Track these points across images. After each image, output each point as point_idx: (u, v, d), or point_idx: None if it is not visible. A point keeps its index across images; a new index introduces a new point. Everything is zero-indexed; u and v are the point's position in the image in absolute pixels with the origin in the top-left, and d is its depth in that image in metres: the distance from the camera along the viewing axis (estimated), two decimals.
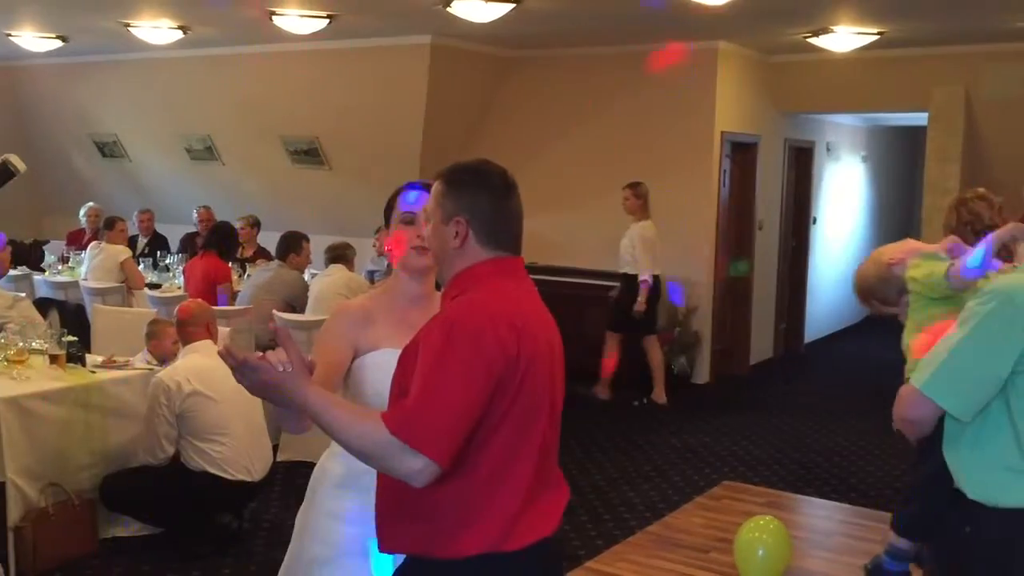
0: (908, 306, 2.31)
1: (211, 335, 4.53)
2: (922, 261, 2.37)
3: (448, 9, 6.13)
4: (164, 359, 4.80)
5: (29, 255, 8.55)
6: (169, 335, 4.80)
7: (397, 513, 1.93)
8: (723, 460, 6.13)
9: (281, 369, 1.82)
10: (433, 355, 1.82)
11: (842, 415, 7.19)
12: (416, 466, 1.78)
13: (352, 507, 2.16)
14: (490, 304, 1.89)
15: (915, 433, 2.15)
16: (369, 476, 1.98)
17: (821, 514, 5.39)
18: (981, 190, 3.46)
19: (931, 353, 2.12)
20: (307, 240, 6.36)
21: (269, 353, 1.85)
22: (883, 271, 2.28)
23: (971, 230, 3.26)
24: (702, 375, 7.99)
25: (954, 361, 2.08)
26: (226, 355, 1.82)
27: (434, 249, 2.03)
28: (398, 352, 2.11)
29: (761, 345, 8.89)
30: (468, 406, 1.80)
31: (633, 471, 5.85)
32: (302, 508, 2.41)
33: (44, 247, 8.98)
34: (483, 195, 1.97)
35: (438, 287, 2.37)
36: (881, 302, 2.32)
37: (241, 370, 1.83)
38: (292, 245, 6.26)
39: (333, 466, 2.30)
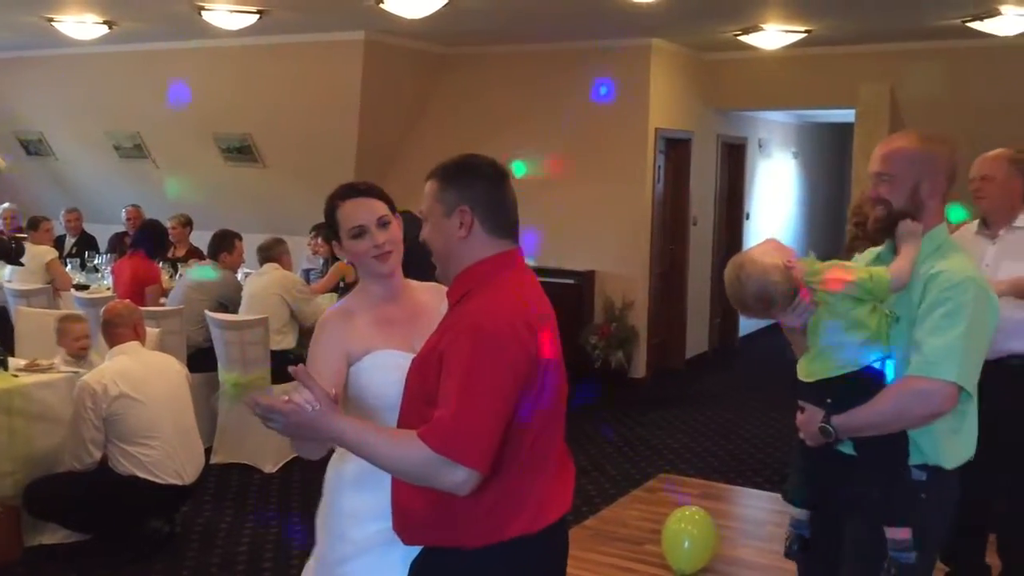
0: (807, 310, 2.33)
1: (139, 336, 4.44)
2: (839, 264, 2.40)
3: (381, 5, 6.09)
4: (81, 358, 4.70)
5: None
6: (72, 332, 4.69)
7: (425, 508, 1.96)
8: (659, 453, 6.20)
9: (310, 409, 1.86)
10: (462, 366, 1.86)
11: (773, 406, 7.31)
12: (460, 478, 1.83)
13: (370, 503, 2.17)
14: (507, 306, 1.93)
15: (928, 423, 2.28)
16: (383, 472, 2.02)
17: (753, 504, 5.49)
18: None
19: (936, 347, 2.21)
20: (239, 239, 6.27)
21: (294, 395, 1.89)
22: (787, 274, 2.30)
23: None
24: (639, 369, 8.07)
25: (971, 350, 2.23)
26: (253, 405, 1.87)
27: (438, 248, 2.04)
28: (392, 352, 2.18)
29: (696, 339, 9.01)
30: (501, 412, 1.86)
31: None
32: (320, 511, 2.39)
33: None
34: (480, 184, 2.01)
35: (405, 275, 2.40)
36: (780, 308, 2.35)
37: (269, 416, 1.87)
38: (224, 244, 6.17)
39: (346, 467, 2.28)
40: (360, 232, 2.28)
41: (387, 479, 2.02)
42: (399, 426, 2.03)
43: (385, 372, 2.19)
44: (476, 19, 6.87)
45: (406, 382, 2.05)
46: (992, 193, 3.58)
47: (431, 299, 2.33)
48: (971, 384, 2.28)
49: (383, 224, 2.29)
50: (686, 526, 4.30)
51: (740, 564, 4.54)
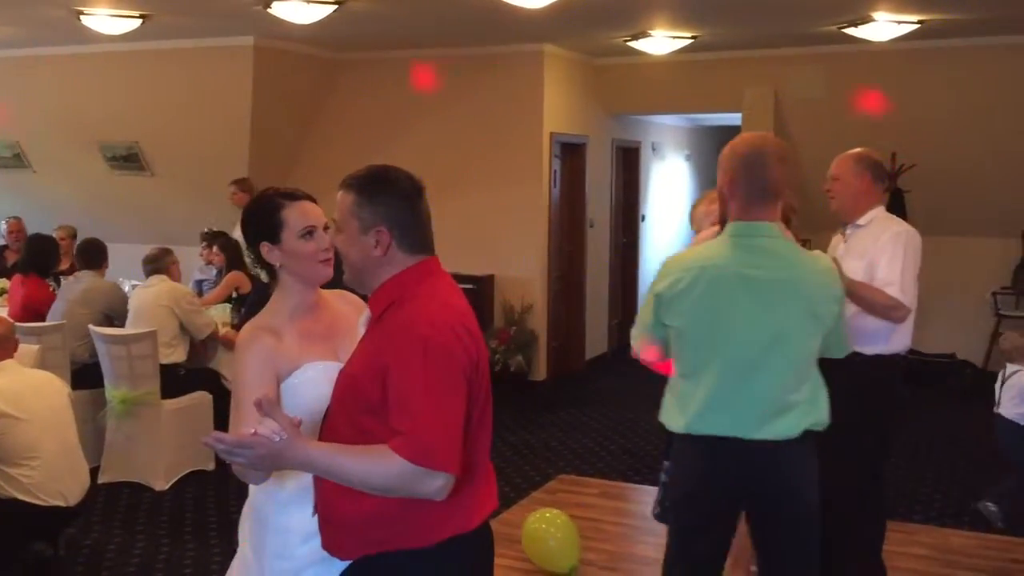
0: None
1: (11, 352, 4.25)
2: None
3: (269, 10, 6.00)
4: None
5: None
6: None
7: (358, 520, 1.98)
8: (559, 455, 6.26)
9: (277, 439, 1.85)
10: (418, 378, 1.89)
11: None
12: (439, 484, 1.89)
13: (308, 520, 2.14)
14: (445, 315, 1.97)
15: None
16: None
17: (652, 500, 5.57)
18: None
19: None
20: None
21: (259, 428, 1.87)
22: None
23: None
24: (539, 372, 8.13)
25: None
26: (215, 443, 1.84)
27: (353, 260, 2.05)
28: (321, 364, 2.16)
29: (595, 341, 9.13)
30: (460, 415, 1.92)
31: None
32: (250, 529, 2.31)
33: None
34: (398, 202, 2.02)
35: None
36: None
37: (235, 452, 1.85)
38: (103, 252, 5.96)
39: (280, 484, 2.22)
40: (310, 232, 2.26)
41: None
42: (326, 436, 2.05)
43: (317, 385, 2.16)
44: (367, 24, 6.83)
45: (334, 392, 2.07)
46: (840, 192, 3.68)
47: (345, 307, 2.34)
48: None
49: (326, 229, 2.31)
50: (546, 527, 4.35)
51: (639, 561, 4.62)
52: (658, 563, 4.51)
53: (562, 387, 8.16)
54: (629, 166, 9.82)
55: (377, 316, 2.05)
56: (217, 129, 7.97)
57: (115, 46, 7.60)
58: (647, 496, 5.61)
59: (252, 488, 2.33)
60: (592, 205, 8.86)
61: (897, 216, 8.25)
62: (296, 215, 2.28)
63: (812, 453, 2.67)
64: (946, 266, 8.32)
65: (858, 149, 3.75)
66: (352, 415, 1.99)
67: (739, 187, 2.63)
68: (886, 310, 3.42)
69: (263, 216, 2.32)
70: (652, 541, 4.85)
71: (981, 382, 7.81)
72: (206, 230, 7.21)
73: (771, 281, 2.61)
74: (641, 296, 10.05)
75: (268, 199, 2.34)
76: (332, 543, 2.06)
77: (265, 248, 2.30)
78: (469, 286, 8.03)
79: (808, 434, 2.64)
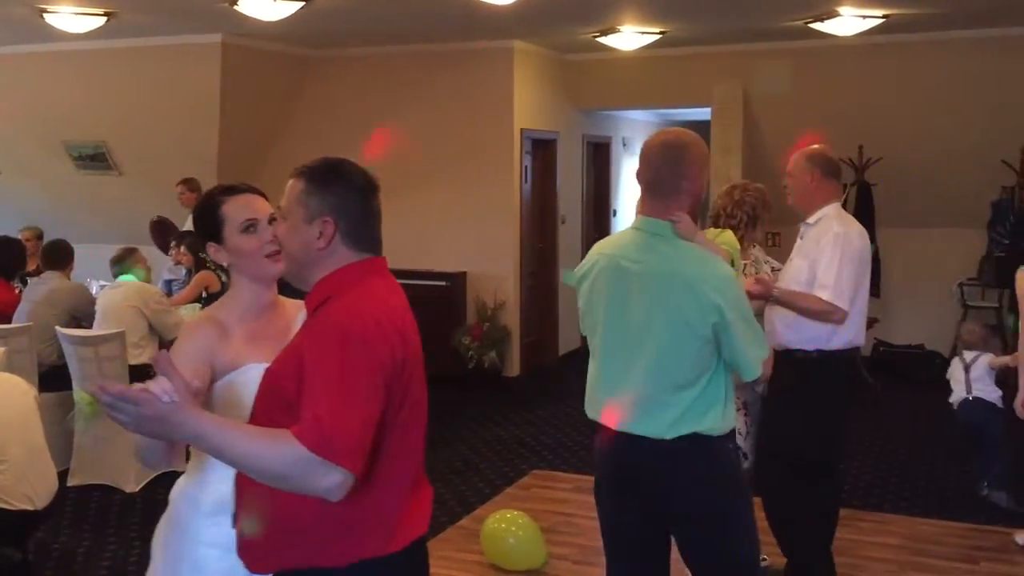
0: None
1: None
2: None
3: (235, 7, 5.95)
4: None
5: None
6: None
7: (274, 532, 1.87)
8: (533, 450, 6.26)
9: (167, 400, 1.68)
10: (332, 366, 1.77)
11: None
12: (335, 480, 1.72)
13: (231, 533, 2.05)
14: (372, 308, 1.86)
15: None
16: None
17: None
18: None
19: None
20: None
21: (151, 383, 1.70)
22: None
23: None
24: (512, 368, 8.13)
25: None
26: (100, 392, 1.67)
27: (293, 251, 1.96)
28: (264, 367, 2.01)
29: (569, 336, 9.13)
30: (373, 415, 1.78)
31: (444, 467, 5.88)
32: (169, 538, 2.26)
33: None
34: (351, 195, 1.93)
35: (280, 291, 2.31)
36: None
37: (118, 406, 1.67)
38: (69, 252, 5.89)
39: (204, 494, 2.17)
40: (251, 226, 2.21)
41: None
42: None
43: (256, 387, 2.09)
44: (336, 21, 6.79)
45: (258, 391, 1.95)
46: (793, 189, 3.74)
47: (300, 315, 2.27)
48: None
49: (272, 222, 2.22)
50: (507, 526, 4.36)
51: None
52: None
53: (535, 382, 8.17)
54: (600, 161, 9.85)
55: (311, 313, 1.95)
56: (185, 128, 7.90)
57: (80, 44, 7.50)
58: None
59: (174, 498, 2.28)
60: (563, 201, 8.88)
61: (865, 208, 8.40)
62: (235, 209, 2.24)
63: (707, 457, 2.55)
64: (913, 258, 8.43)
65: (814, 146, 3.79)
66: (270, 413, 1.87)
67: (639, 181, 2.66)
68: (822, 315, 3.52)
69: (205, 216, 2.28)
70: None
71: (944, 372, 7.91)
72: (155, 217, 7.21)
73: (644, 277, 2.55)
74: None
75: (209, 197, 2.30)
76: (248, 556, 1.94)
77: (212, 249, 2.25)
78: (441, 283, 8.04)
79: (699, 438, 2.52)
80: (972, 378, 5.21)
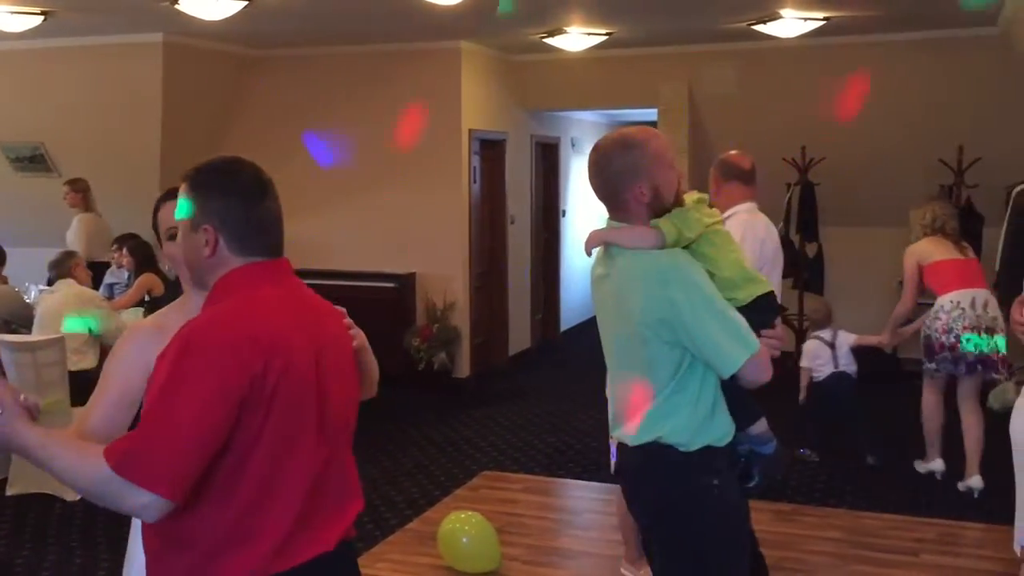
0: None
1: None
2: None
3: (176, 6, 5.86)
4: None
5: None
6: None
7: (162, 546, 1.81)
8: (483, 451, 6.26)
9: None
10: (164, 378, 1.69)
11: (592, 397, 7.47)
12: (142, 501, 1.66)
13: None
14: (232, 317, 1.77)
15: None
16: None
17: (574, 494, 5.64)
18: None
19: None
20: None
21: None
22: None
23: None
24: (462, 369, 8.12)
25: None
26: None
27: (187, 260, 1.91)
28: None
29: (519, 336, 9.16)
30: (202, 433, 1.67)
31: (394, 469, 5.86)
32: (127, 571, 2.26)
33: None
34: (233, 200, 1.84)
35: None
36: None
37: None
38: (1, 255, 5.76)
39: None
40: (174, 235, 2.16)
41: None
42: None
43: None
44: (280, 21, 6.72)
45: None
46: (711, 192, 3.98)
47: None
48: None
49: None
50: (462, 526, 4.37)
51: (563, 554, 4.66)
52: (580, 556, 4.59)
53: (486, 383, 8.17)
54: (549, 162, 9.88)
55: None
56: (127, 128, 7.76)
57: (16, 44, 7.32)
58: (571, 491, 5.67)
59: (132, 530, 2.25)
60: (512, 201, 8.88)
61: (808, 207, 8.52)
62: (165, 215, 2.21)
63: (664, 469, 2.41)
64: (855, 256, 8.58)
65: (729, 152, 4.09)
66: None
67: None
68: None
69: (152, 220, 2.27)
70: (575, 535, 4.91)
71: (891, 367, 8.08)
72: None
73: (607, 283, 2.52)
74: (563, 290, 10.16)
75: (157, 200, 2.28)
76: (148, 569, 1.88)
77: (161, 251, 2.26)
78: (390, 284, 8.00)
79: (661, 448, 2.39)
80: (838, 355, 5.86)
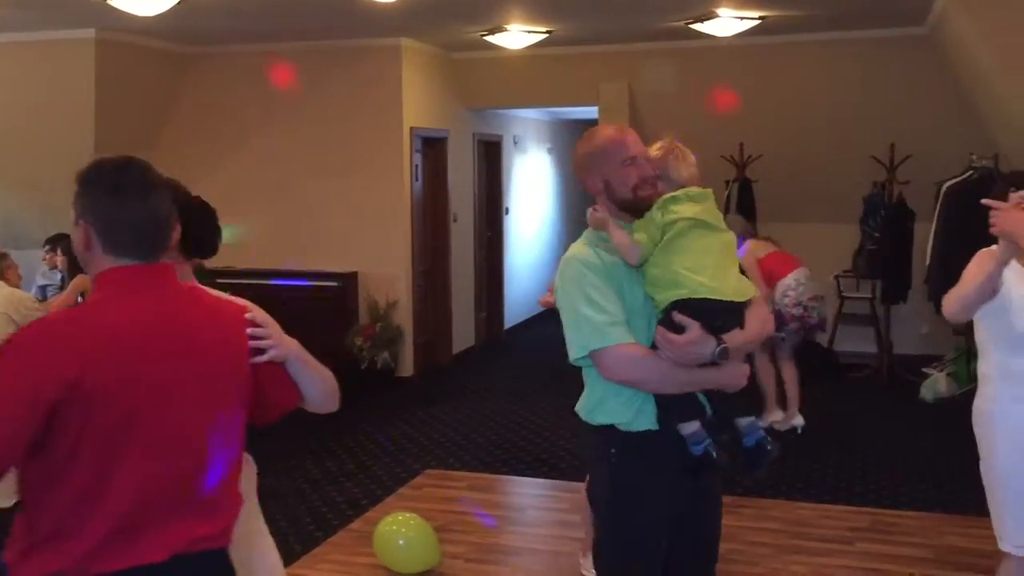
0: None
1: None
2: None
3: (108, 2, 5.74)
4: None
5: None
6: None
7: (17, 532, 1.83)
8: (426, 450, 6.25)
9: None
10: None
11: (535, 395, 7.56)
12: None
13: None
14: (64, 320, 1.79)
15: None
16: None
17: (517, 491, 5.65)
18: None
19: None
20: None
21: None
22: None
23: None
24: (406, 368, 8.09)
25: None
26: None
27: (76, 253, 1.91)
28: None
29: (463, 334, 9.15)
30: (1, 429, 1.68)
31: (336, 470, 5.82)
32: None
33: None
34: (101, 196, 1.85)
35: None
36: None
37: None
38: None
39: None
40: None
41: None
42: None
43: None
44: (216, 17, 6.63)
45: None
46: None
47: None
48: None
49: None
50: (399, 528, 4.35)
51: (506, 551, 4.67)
52: (523, 552, 4.61)
53: (429, 382, 8.15)
54: (491, 160, 9.88)
55: None
56: (59, 126, 7.58)
57: None
58: (514, 487, 5.69)
59: None
60: (455, 199, 8.87)
61: (746, 204, 8.66)
62: None
63: (584, 441, 2.63)
64: (793, 251, 8.72)
65: None
66: None
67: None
68: None
69: None
70: (519, 531, 4.92)
71: (827, 361, 8.24)
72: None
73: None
74: (507, 288, 10.17)
75: None
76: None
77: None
78: (332, 283, 7.94)
79: (579, 419, 2.57)
80: None
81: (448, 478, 5.68)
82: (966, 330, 5.72)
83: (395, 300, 7.98)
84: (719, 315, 2.37)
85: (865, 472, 5.63)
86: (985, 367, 3.16)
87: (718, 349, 2.34)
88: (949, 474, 5.43)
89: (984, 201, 2.88)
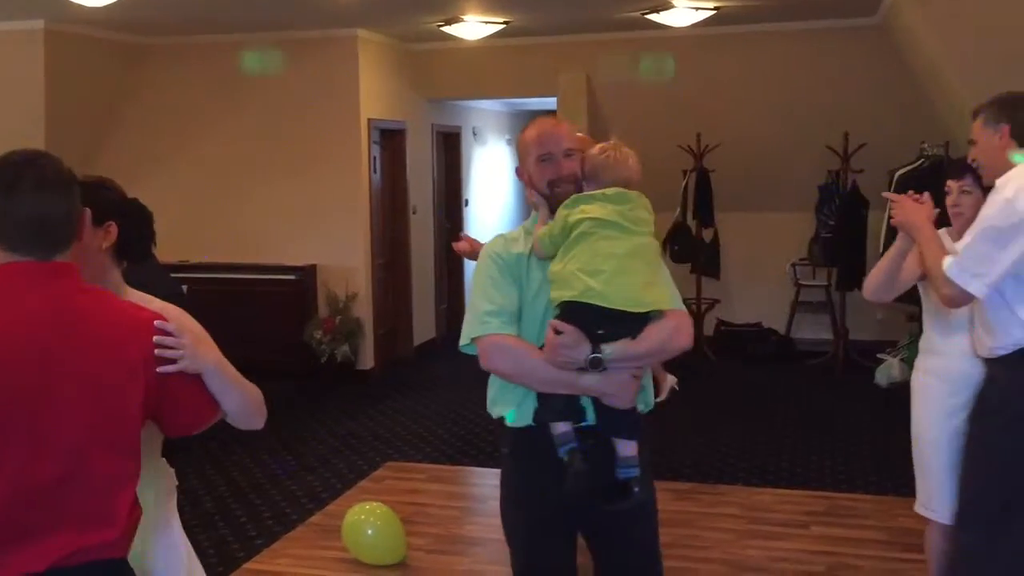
0: None
1: None
2: None
3: None
4: None
5: None
6: None
7: None
8: (388, 443, 6.23)
9: None
10: None
11: None
12: None
13: None
14: None
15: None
16: None
17: (479, 482, 5.67)
18: None
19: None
20: None
21: None
22: None
23: None
24: (366, 361, 8.06)
25: None
26: None
27: None
28: None
29: (424, 326, 9.14)
30: None
31: (297, 464, 5.79)
32: None
33: None
34: (4, 193, 1.78)
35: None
36: None
37: None
38: None
39: None
40: None
41: None
42: None
43: None
44: (168, 8, 6.54)
45: None
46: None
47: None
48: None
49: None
50: (367, 518, 4.35)
51: (468, 542, 4.68)
52: (486, 543, 4.62)
53: (390, 375, 8.13)
54: (450, 151, 9.86)
55: None
56: (7, 120, 7.39)
57: None
58: (475, 478, 5.70)
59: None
60: (414, 191, 8.84)
61: (704, 193, 8.75)
62: None
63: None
64: (750, 240, 8.84)
65: None
66: None
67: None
68: None
69: None
70: (480, 522, 4.93)
71: (784, 348, 8.35)
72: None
73: None
74: (468, 280, 10.16)
75: None
76: None
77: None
78: (291, 276, 7.89)
79: None
80: None
81: (409, 470, 5.68)
82: (920, 316, 5.82)
83: (355, 293, 7.94)
84: (603, 322, 2.29)
85: (822, 456, 5.72)
86: (920, 343, 3.38)
87: (590, 357, 2.28)
88: (903, 457, 5.52)
89: (884, 194, 3.06)
